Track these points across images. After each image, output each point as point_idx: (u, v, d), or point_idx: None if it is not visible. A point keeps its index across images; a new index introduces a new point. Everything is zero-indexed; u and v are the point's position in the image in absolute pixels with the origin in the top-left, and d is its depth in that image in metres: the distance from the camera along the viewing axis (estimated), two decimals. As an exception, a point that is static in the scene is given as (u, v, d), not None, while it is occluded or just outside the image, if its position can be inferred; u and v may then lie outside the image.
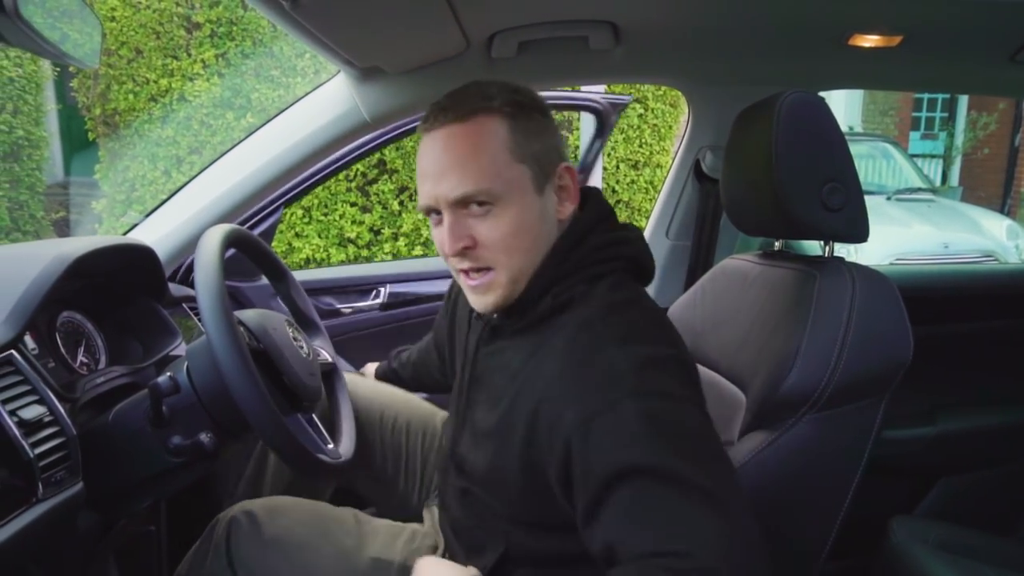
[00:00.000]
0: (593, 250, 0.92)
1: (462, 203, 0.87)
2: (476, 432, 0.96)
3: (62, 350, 1.10)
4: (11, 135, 4.76)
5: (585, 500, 0.77)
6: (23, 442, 0.85)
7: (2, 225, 4.74)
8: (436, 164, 0.88)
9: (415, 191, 4.56)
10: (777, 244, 1.22)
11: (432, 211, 0.91)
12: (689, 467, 0.73)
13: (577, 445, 0.78)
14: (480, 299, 0.93)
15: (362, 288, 1.85)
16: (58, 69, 5.51)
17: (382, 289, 1.85)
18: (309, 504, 1.12)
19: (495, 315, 0.96)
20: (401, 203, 4.44)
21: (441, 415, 1.36)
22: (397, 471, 1.30)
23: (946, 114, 9.67)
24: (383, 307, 1.85)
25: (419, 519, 1.20)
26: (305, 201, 4.30)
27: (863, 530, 1.42)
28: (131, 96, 4.41)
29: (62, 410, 0.93)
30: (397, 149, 4.35)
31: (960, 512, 1.72)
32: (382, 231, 4.44)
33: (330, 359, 1.23)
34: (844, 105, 8.91)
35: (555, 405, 0.82)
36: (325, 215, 4.35)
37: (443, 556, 1.06)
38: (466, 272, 0.91)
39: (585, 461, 0.77)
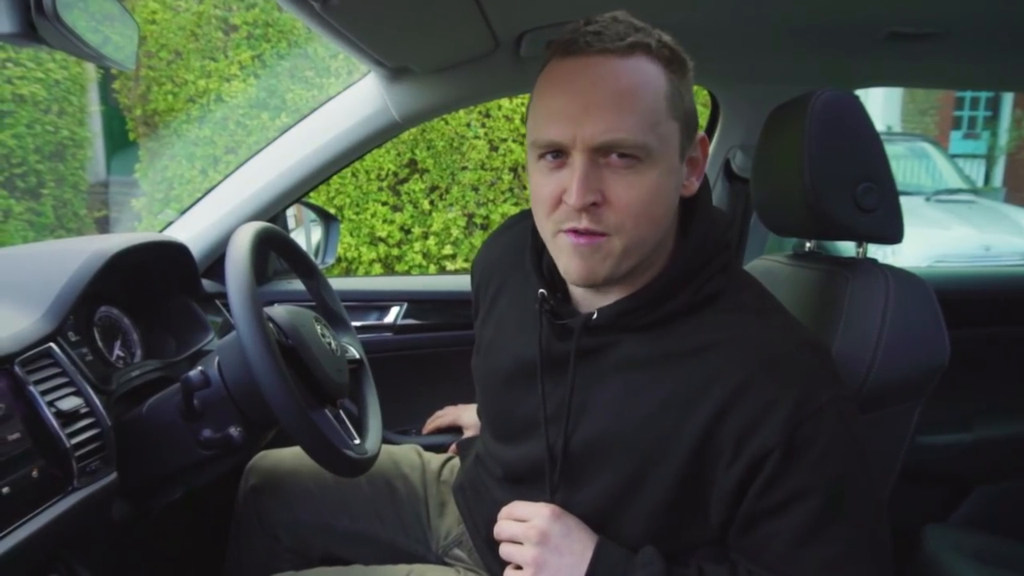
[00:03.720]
0: (720, 235, 0.85)
1: (604, 150, 0.74)
2: (588, 442, 0.86)
3: (99, 344, 1.13)
4: (57, 135, 4.89)
5: (760, 506, 0.77)
6: (60, 432, 0.88)
7: (47, 222, 4.87)
8: (584, 96, 0.73)
9: (445, 190, 4.55)
10: (808, 245, 1.21)
11: (553, 151, 0.76)
12: (867, 492, 0.79)
13: (778, 454, 0.74)
14: (584, 264, 0.78)
15: (376, 305, 1.67)
16: (101, 71, 5.65)
17: (396, 308, 1.66)
18: (337, 570, 1.06)
19: (595, 315, 0.83)
20: (432, 202, 4.46)
21: (432, 460, 1.25)
22: (373, 525, 1.18)
23: (989, 113, 9.43)
24: (397, 330, 1.65)
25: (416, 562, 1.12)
26: (337, 200, 4.34)
27: (895, 538, 1.38)
28: (170, 97, 4.50)
29: (98, 402, 0.95)
30: (428, 149, 4.38)
31: (996, 522, 1.68)
32: (412, 230, 4.47)
33: (358, 355, 1.24)
34: (882, 104, 8.73)
35: (746, 410, 0.75)
36: (356, 214, 4.39)
37: None
38: (575, 232, 0.77)
39: (778, 471, 0.75)
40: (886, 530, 0.81)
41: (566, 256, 0.79)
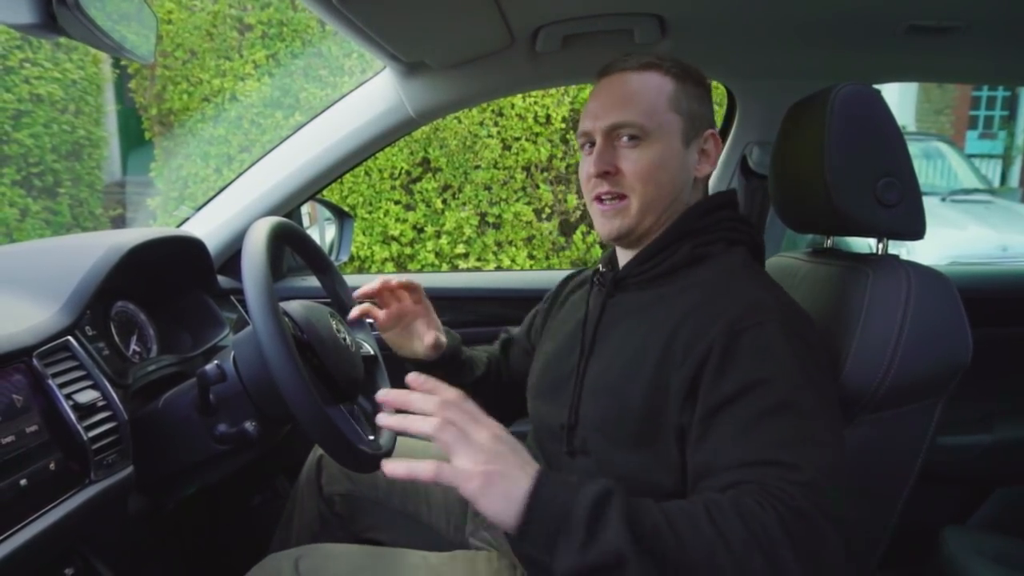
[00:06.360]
0: (730, 219, 1.01)
1: (614, 133, 0.97)
2: (598, 382, 0.97)
3: (116, 338, 1.13)
4: (73, 135, 4.93)
5: (709, 404, 0.81)
6: (78, 425, 0.88)
7: (63, 221, 4.91)
8: (602, 99, 0.99)
9: (458, 189, 4.55)
10: (827, 242, 1.19)
11: (588, 140, 1.01)
12: (816, 398, 0.79)
13: (718, 350, 0.82)
14: (608, 223, 0.99)
15: None
16: (117, 71, 5.70)
17: None
18: (359, 548, 1.09)
19: (619, 269, 1.02)
20: (444, 201, 4.47)
21: None
22: (420, 508, 1.24)
23: (1006, 112, 9.32)
24: None
25: (445, 548, 1.15)
26: (350, 199, 4.36)
27: (913, 540, 1.37)
28: (185, 96, 4.53)
29: (115, 395, 0.96)
30: (441, 147, 4.38)
31: (1016, 524, 1.65)
32: (425, 229, 4.47)
33: (372, 351, 1.24)
34: (896, 103, 8.65)
35: (699, 320, 0.87)
36: (369, 213, 4.40)
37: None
38: (599, 198, 0.99)
39: (721, 366, 0.81)
40: (840, 438, 0.80)
41: (597, 219, 1.02)
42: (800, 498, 0.70)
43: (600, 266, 1.10)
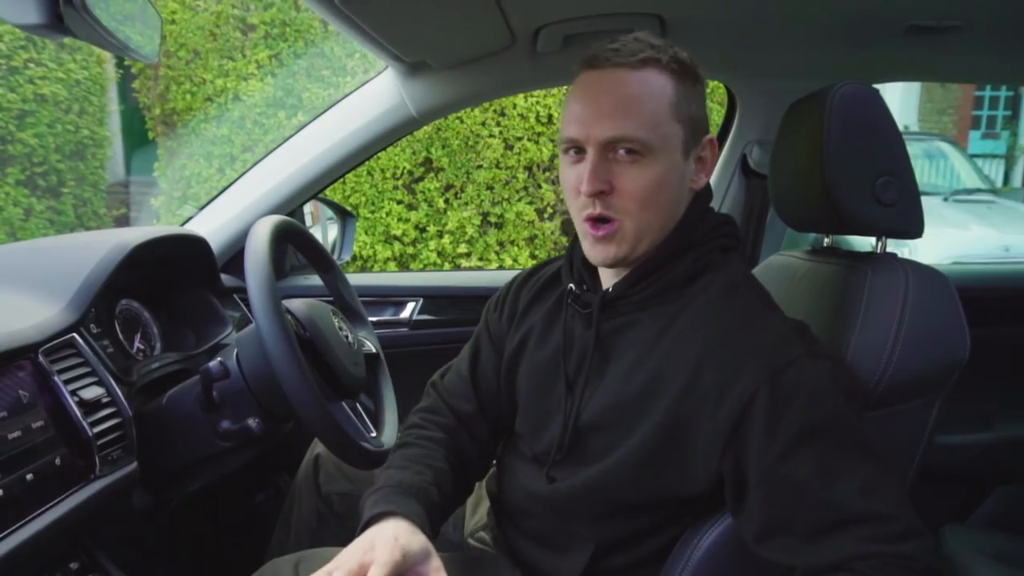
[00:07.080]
0: (720, 224, 0.95)
1: (612, 146, 0.86)
2: (597, 417, 0.91)
3: (120, 336, 1.14)
4: (77, 135, 4.95)
5: (772, 454, 0.78)
6: (83, 421, 0.89)
7: (67, 221, 4.93)
8: (597, 102, 0.87)
9: (460, 189, 4.55)
10: (827, 241, 1.20)
11: (574, 147, 0.89)
12: (861, 423, 0.81)
13: (765, 395, 0.79)
14: (602, 249, 0.90)
15: (392, 300, 1.69)
16: (121, 71, 5.71)
17: (412, 304, 1.68)
18: None
19: (610, 289, 0.93)
20: (447, 201, 4.47)
21: None
22: None
23: (1009, 112, 9.30)
24: (412, 325, 1.67)
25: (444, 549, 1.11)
26: (353, 198, 4.37)
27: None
28: (188, 96, 4.54)
29: (119, 392, 0.96)
30: (443, 147, 4.39)
31: (1016, 523, 1.65)
32: (427, 228, 4.49)
33: (374, 349, 1.25)
34: (899, 103, 8.64)
35: (724, 356, 0.82)
36: (372, 212, 4.41)
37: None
38: (592, 221, 0.89)
39: (773, 412, 0.79)
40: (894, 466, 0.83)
41: (587, 243, 0.92)
42: (914, 555, 0.73)
43: (572, 285, 0.98)
